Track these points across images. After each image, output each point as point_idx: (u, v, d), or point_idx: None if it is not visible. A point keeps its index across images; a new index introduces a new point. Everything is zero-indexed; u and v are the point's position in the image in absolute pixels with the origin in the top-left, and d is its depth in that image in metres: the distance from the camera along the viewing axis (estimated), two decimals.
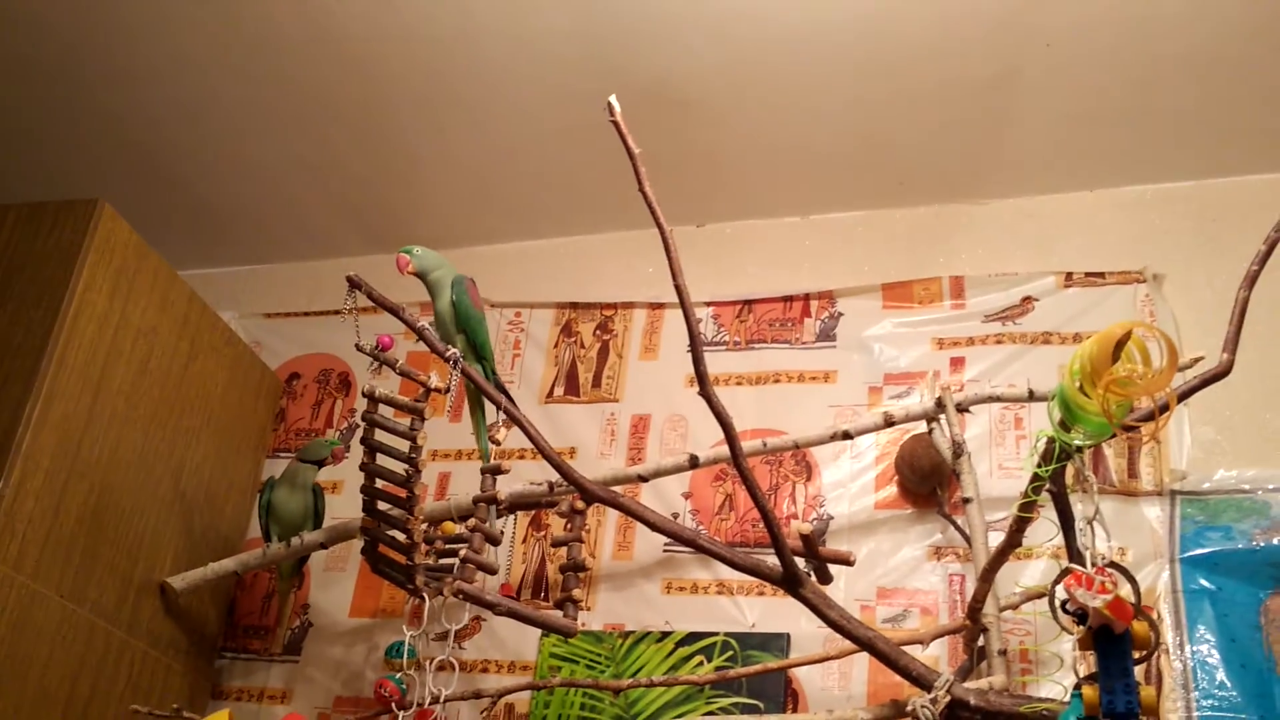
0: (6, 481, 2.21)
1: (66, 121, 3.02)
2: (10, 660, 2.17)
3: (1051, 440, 1.55)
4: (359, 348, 2.23)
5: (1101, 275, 2.67)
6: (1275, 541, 2.26)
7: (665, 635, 2.52)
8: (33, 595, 2.24)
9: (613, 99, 1.82)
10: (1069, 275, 2.70)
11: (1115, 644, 1.46)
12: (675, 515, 2.64)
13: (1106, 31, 2.44)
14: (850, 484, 2.63)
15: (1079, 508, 1.58)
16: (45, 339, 2.34)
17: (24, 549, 2.23)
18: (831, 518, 2.60)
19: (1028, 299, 2.71)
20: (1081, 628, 1.47)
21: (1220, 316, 2.51)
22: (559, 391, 2.95)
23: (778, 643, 2.45)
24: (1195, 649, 2.22)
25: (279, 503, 2.56)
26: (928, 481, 2.49)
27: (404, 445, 2.24)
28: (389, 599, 2.77)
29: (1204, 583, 2.28)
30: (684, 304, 1.83)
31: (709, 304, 2.92)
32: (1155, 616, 2.21)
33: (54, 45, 2.80)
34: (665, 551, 2.64)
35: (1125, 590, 1.48)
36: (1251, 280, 1.75)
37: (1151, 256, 2.65)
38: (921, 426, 2.48)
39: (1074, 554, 1.67)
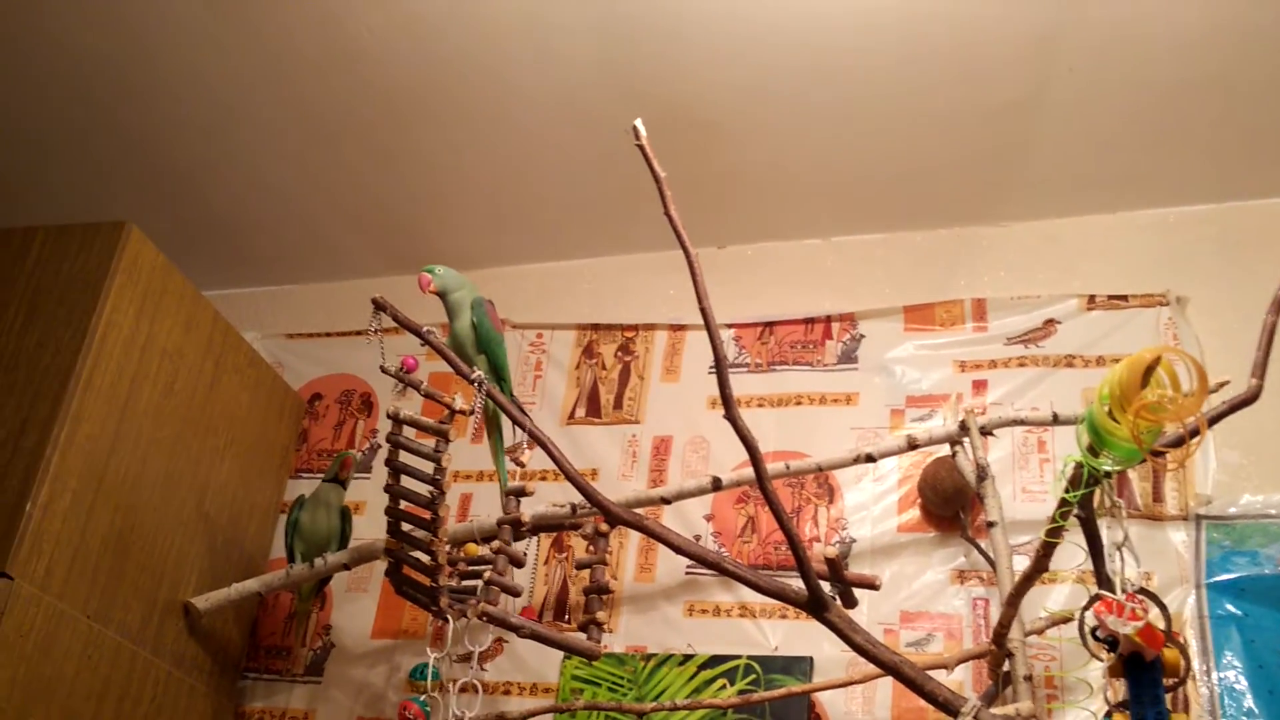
0: (34, 502, 2.22)
1: (93, 144, 3.04)
2: (37, 680, 2.18)
3: (1079, 465, 1.55)
4: (384, 370, 2.25)
5: (1124, 298, 2.67)
6: None
7: (688, 658, 2.51)
8: (59, 615, 2.25)
9: (638, 123, 1.83)
10: (1092, 298, 2.69)
11: (1146, 671, 1.46)
12: (697, 537, 2.64)
13: (1129, 55, 2.44)
14: (873, 507, 2.63)
15: (1107, 533, 1.58)
16: (73, 360, 2.35)
17: (51, 569, 2.24)
18: (854, 541, 2.60)
19: (1050, 322, 2.71)
20: (1112, 654, 1.47)
21: (1244, 340, 2.50)
22: (580, 413, 2.96)
23: (801, 666, 2.44)
24: (1222, 675, 2.20)
25: (305, 522, 2.57)
26: (951, 505, 2.48)
27: (428, 467, 2.25)
28: (410, 620, 2.78)
29: (1231, 608, 2.26)
30: (710, 328, 1.83)
31: (730, 326, 2.93)
32: (1182, 642, 2.20)
33: (81, 69, 2.83)
34: (687, 574, 2.63)
35: (1154, 615, 1.48)
36: (1278, 305, 1.74)
37: (1175, 279, 2.65)
38: (944, 449, 2.47)
39: (1103, 580, 1.67)
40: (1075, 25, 2.40)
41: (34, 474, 2.24)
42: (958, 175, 2.79)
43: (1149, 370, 1.43)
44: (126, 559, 2.44)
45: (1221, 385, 2.03)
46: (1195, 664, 2.22)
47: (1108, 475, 1.53)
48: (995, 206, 2.86)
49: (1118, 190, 2.76)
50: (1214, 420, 1.67)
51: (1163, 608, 1.52)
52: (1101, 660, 1.48)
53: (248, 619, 2.84)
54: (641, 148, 1.83)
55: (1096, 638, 1.47)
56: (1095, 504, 1.67)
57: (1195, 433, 1.44)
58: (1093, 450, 1.52)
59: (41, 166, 3.15)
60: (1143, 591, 1.47)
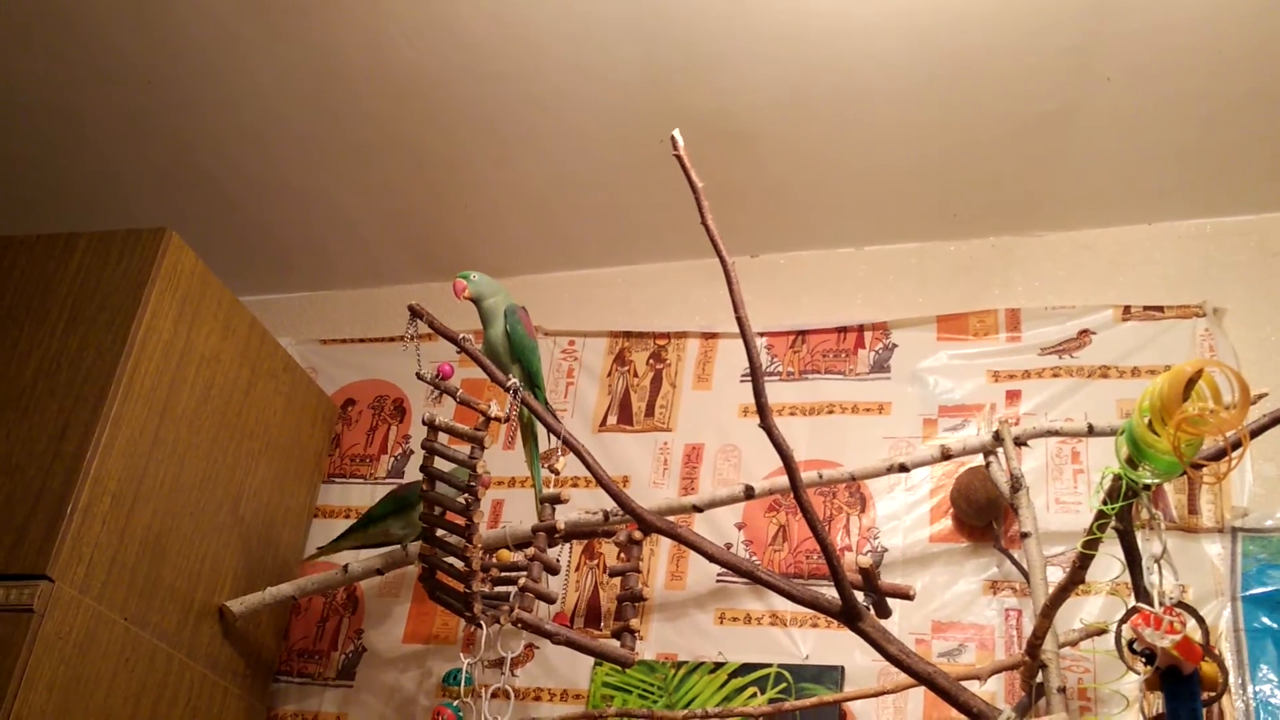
0: (75, 505, 2.25)
1: (134, 152, 3.07)
2: (76, 681, 2.21)
3: (1118, 477, 1.54)
4: (420, 376, 2.26)
5: (1160, 309, 2.66)
6: None
7: (718, 666, 2.52)
8: (98, 617, 2.27)
9: (676, 133, 1.84)
10: (1127, 309, 2.68)
11: (1183, 684, 1.46)
12: (728, 545, 2.65)
13: (1167, 65, 2.44)
14: (905, 516, 2.62)
15: (1144, 545, 1.57)
16: (113, 365, 2.38)
17: (90, 572, 2.27)
18: (886, 550, 2.59)
19: (1084, 332, 2.70)
20: (1149, 668, 1.47)
21: None
22: (612, 420, 2.97)
23: (832, 675, 2.44)
24: (1258, 689, 2.19)
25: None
26: (983, 515, 2.48)
27: (463, 473, 2.26)
28: (442, 625, 2.79)
29: (1266, 621, 2.25)
30: (746, 337, 1.84)
31: (763, 334, 2.92)
32: (1219, 655, 2.18)
33: (123, 78, 2.86)
34: (719, 581, 2.64)
35: (1192, 628, 1.47)
36: None
37: (1211, 290, 2.64)
38: (976, 459, 2.47)
39: (1140, 592, 1.66)
40: (1112, 36, 2.39)
41: (74, 477, 2.27)
42: (992, 185, 2.79)
43: (1190, 383, 1.42)
44: (163, 562, 2.47)
45: (1260, 398, 2.02)
46: (1230, 677, 2.20)
47: (1147, 488, 1.53)
48: (1030, 216, 2.85)
49: (1154, 200, 2.75)
50: (1256, 434, 1.66)
51: (1201, 621, 1.52)
52: (1138, 673, 1.48)
53: (281, 622, 2.87)
54: (679, 158, 1.84)
55: (1134, 650, 1.47)
56: (1133, 516, 1.66)
57: (1237, 445, 1.43)
58: (1132, 463, 1.51)
59: (84, 174, 3.19)
60: (1181, 605, 1.46)
